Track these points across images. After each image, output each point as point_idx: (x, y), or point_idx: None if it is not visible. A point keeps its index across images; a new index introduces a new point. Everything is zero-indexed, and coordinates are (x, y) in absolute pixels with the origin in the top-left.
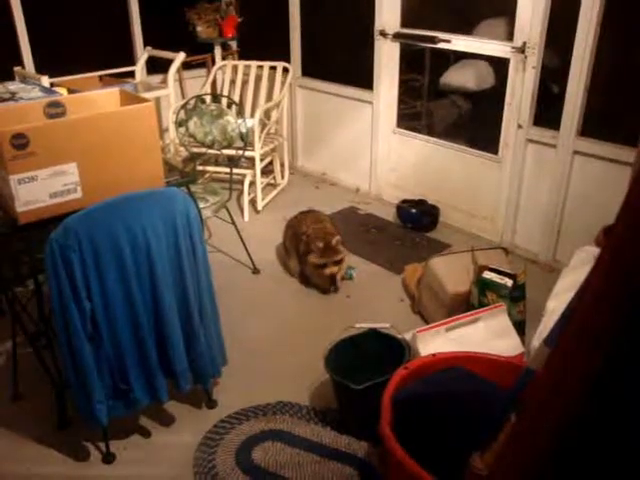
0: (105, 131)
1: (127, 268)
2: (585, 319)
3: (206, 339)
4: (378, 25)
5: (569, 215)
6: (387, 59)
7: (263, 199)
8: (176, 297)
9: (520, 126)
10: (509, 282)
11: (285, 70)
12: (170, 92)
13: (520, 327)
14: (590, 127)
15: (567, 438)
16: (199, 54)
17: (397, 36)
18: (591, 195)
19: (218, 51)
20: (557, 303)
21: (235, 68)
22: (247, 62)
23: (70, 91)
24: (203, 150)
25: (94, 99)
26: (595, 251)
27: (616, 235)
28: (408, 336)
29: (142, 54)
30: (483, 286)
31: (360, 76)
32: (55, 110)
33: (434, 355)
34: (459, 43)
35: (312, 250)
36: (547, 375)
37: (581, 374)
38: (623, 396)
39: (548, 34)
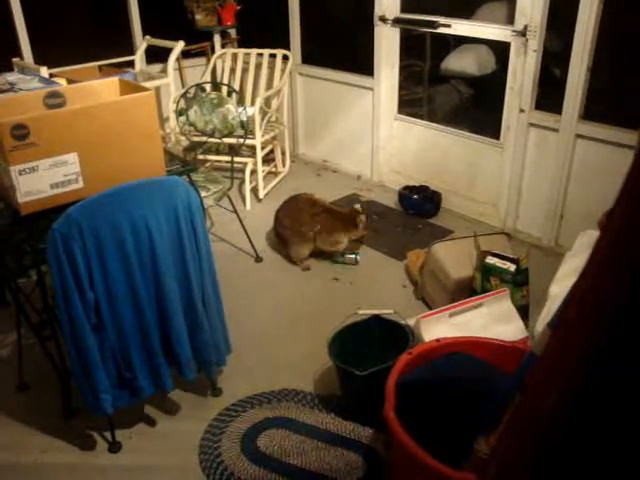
0: (105, 121)
1: (129, 257)
2: (584, 303)
3: (210, 327)
4: (378, 10)
5: (571, 199)
6: (387, 45)
7: (265, 187)
8: (179, 286)
9: (522, 110)
10: (512, 267)
11: (285, 57)
12: (170, 81)
13: (524, 312)
14: (592, 110)
15: (564, 421)
16: (198, 42)
17: (397, 21)
18: (594, 179)
19: (217, 39)
20: (560, 288)
21: (235, 56)
22: (247, 50)
23: (69, 81)
24: (204, 139)
25: (94, 89)
26: (597, 235)
27: (614, 219)
28: (412, 322)
29: (141, 43)
30: (486, 271)
31: (360, 62)
32: (55, 100)
33: (438, 340)
34: (459, 27)
35: (358, 225)
36: (546, 357)
37: (578, 356)
38: (619, 378)
39: (549, 17)
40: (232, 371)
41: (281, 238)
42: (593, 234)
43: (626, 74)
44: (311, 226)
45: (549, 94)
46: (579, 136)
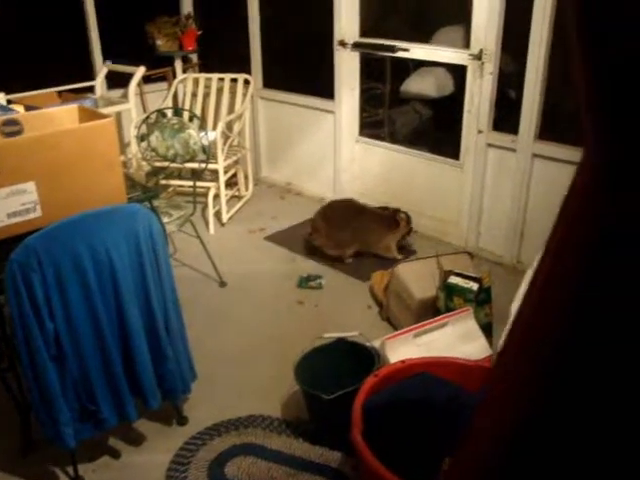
0: (64, 149)
1: (90, 287)
2: (528, 323)
3: (174, 355)
4: (337, 35)
5: (531, 216)
6: (347, 68)
7: (228, 211)
8: (142, 314)
9: (480, 131)
10: (474, 286)
11: (246, 82)
12: (131, 106)
13: (487, 330)
14: (548, 130)
15: (511, 442)
16: (159, 67)
17: (356, 46)
18: (552, 196)
19: (179, 64)
20: None
21: (196, 81)
22: (208, 75)
23: (27, 108)
24: (166, 164)
25: (52, 116)
26: None
27: (554, 239)
28: (377, 344)
29: (101, 69)
30: (449, 291)
31: (321, 86)
32: (11, 129)
33: (403, 361)
34: (417, 51)
35: (399, 222)
36: (493, 380)
37: (522, 380)
38: (567, 398)
39: (503, 41)
40: (198, 398)
41: (316, 245)
42: None
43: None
44: (350, 234)
45: (506, 115)
46: (536, 155)
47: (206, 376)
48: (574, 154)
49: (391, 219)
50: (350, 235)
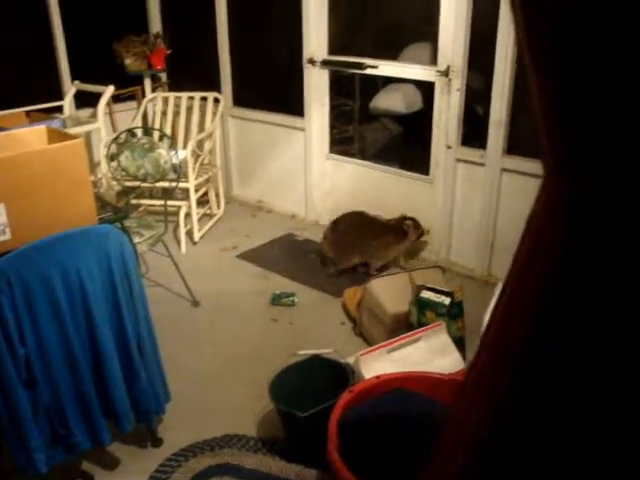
0: (33, 170)
1: (62, 310)
2: (496, 334)
3: (147, 376)
4: (306, 53)
5: (501, 230)
6: (317, 86)
7: (200, 230)
8: (114, 336)
9: (449, 147)
10: (446, 300)
11: (216, 100)
12: (100, 126)
13: (460, 343)
14: (515, 145)
15: (482, 450)
16: (129, 86)
17: (325, 63)
18: (521, 210)
19: (148, 83)
20: None
21: (166, 100)
22: (178, 93)
23: None
24: (136, 184)
25: (20, 137)
26: None
27: (520, 254)
28: (351, 360)
29: (70, 88)
30: (421, 305)
31: (291, 103)
32: None
33: (378, 377)
34: (386, 68)
35: (407, 230)
36: (463, 391)
37: (491, 390)
38: (532, 407)
39: (470, 58)
40: (172, 419)
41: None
42: None
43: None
44: (360, 246)
45: (474, 131)
46: (504, 170)
47: (180, 396)
48: (540, 167)
49: (398, 229)
50: (355, 244)
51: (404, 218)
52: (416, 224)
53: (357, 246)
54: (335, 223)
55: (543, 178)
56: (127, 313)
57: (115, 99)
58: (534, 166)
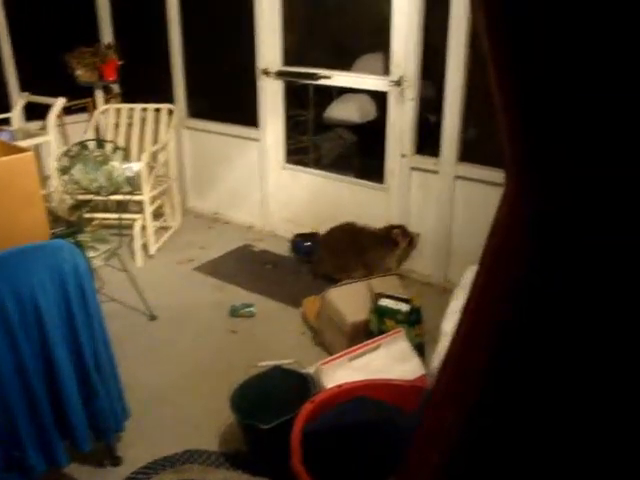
0: None
1: (14, 329)
2: (466, 334)
3: (105, 393)
4: (260, 64)
5: (457, 236)
6: (271, 97)
7: (155, 243)
8: (70, 353)
9: (403, 155)
10: (405, 307)
11: (170, 112)
12: (51, 138)
13: (420, 349)
14: (468, 153)
15: (456, 455)
16: (80, 98)
17: (279, 74)
18: (475, 216)
19: (100, 95)
20: (452, 324)
21: (118, 111)
22: (131, 105)
23: None
24: (89, 197)
25: None
26: None
27: (482, 269)
28: (312, 370)
29: (18, 100)
30: (380, 313)
31: (246, 114)
32: None
33: (340, 386)
34: (339, 79)
35: (399, 241)
36: (425, 421)
37: (461, 399)
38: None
39: (423, 68)
40: (131, 436)
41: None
42: None
43: (494, 120)
44: (353, 258)
45: (428, 139)
46: (458, 177)
47: (139, 413)
48: (493, 175)
49: (388, 239)
50: (353, 259)
51: (392, 227)
52: (404, 231)
53: (355, 261)
54: (326, 239)
55: (505, 193)
56: (83, 329)
57: (66, 111)
58: (487, 173)
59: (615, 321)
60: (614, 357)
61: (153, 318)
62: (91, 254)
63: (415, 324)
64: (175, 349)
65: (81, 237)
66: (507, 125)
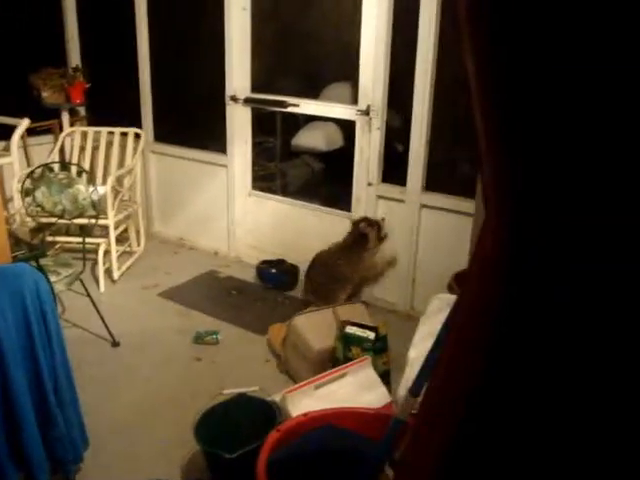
0: None
1: None
2: (451, 357)
3: (64, 422)
4: (229, 90)
5: (422, 264)
6: (239, 123)
7: (119, 268)
8: (28, 380)
9: (370, 184)
10: (371, 335)
11: (137, 136)
12: (13, 160)
13: (386, 378)
14: (433, 182)
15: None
16: (45, 120)
17: (248, 101)
18: (440, 245)
19: (66, 117)
20: (417, 352)
21: (85, 134)
22: (97, 128)
23: None
24: (53, 220)
25: None
26: (448, 297)
27: (469, 282)
28: (278, 397)
29: None
30: (346, 341)
31: (214, 140)
32: None
33: (305, 414)
34: (307, 107)
35: (367, 232)
36: (419, 420)
37: (445, 428)
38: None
39: (390, 97)
40: (91, 468)
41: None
42: (444, 297)
43: (458, 149)
44: (339, 279)
45: (394, 168)
46: (424, 206)
47: (100, 443)
48: (458, 203)
49: (357, 236)
50: (340, 280)
51: (358, 222)
52: (369, 222)
53: (337, 281)
54: (308, 275)
55: (482, 236)
56: (43, 356)
57: (30, 132)
58: (451, 202)
59: (596, 366)
60: (590, 397)
61: (116, 344)
62: (53, 278)
63: (381, 352)
64: (138, 376)
65: (43, 261)
66: (490, 160)
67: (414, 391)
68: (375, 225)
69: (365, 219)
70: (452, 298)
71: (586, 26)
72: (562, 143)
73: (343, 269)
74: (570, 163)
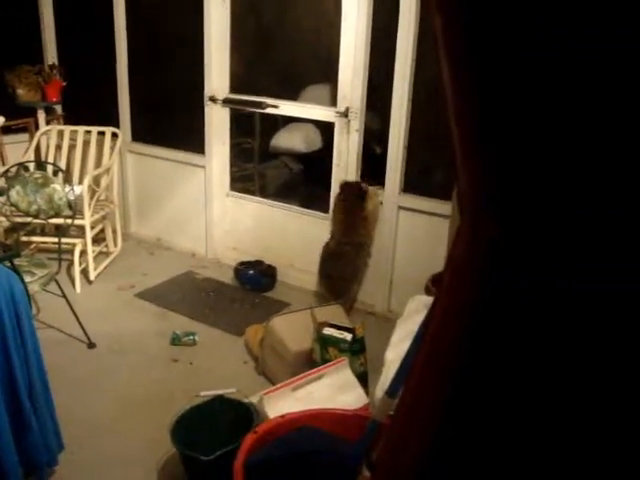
0: None
1: None
2: (427, 359)
3: (39, 425)
4: (208, 91)
5: (399, 266)
6: (218, 124)
7: (96, 268)
8: (2, 382)
9: None
10: (348, 336)
11: (114, 135)
12: None
13: (363, 379)
14: (411, 184)
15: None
16: (21, 118)
17: (226, 101)
18: (417, 246)
19: (42, 115)
20: (395, 353)
21: (61, 133)
22: (74, 127)
23: None
24: (27, 220)
25: None
26: (425, 299)
27: (445, 282)
28: (255, 399)
29: None
30: (324, 342)
31: (192, 140)
32: None
33: (283, 416)
34: (286, 108)
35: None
36: (389, 437)
37: (424, 427)
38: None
39: (368, 100)
40: (66, 471)
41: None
42: (421, 299)
43: (436, 152)
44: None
45: (373, 170)
46: (401, 207)
47: (75, 446)
48: (435, 205)
49: (353, 199)
50: (354, 269)
51: (350, 185)
52: (359, 182)
53: (351, 273)
54: (323, 273)
55: (456, 243)
56: (17, 358)
57: (5, 130)
58: (428, 204)
59: (570, 367)
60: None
61: (92, 346)
62: (28, 279)
63: (358, 353)
64: (114, 378)
65: (18, 261)
66: (466, 167)
67: (391, 392)
68: (367, 184)
69: (355, 182)
70: (429, 300)
71: (565, 17)
72: (540, 146)
73: (352, 256)
74: (548, 166)
